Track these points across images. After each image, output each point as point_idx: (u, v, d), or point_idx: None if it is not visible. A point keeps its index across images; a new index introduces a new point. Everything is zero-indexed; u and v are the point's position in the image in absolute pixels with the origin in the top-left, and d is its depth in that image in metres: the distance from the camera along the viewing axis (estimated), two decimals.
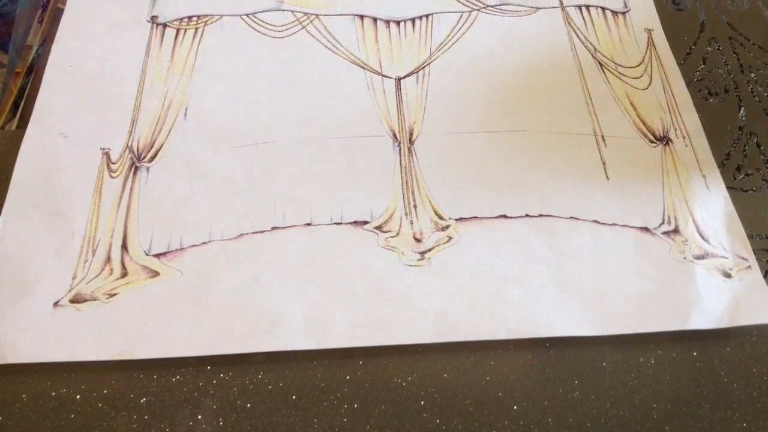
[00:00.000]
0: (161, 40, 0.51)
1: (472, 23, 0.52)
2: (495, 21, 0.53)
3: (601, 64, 0.50)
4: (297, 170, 0.44)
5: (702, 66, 0.51)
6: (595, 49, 0.51)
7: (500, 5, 0.54)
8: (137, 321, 0.38)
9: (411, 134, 0.46)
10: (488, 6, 0.54)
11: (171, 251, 0.41)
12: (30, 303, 0.39)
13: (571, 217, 0.43)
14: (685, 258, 0.41)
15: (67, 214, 0.42)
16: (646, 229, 0.42)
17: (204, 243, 0.41)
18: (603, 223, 0.43)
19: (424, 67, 0.50)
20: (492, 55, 0.51)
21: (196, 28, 0.52)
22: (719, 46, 0.52)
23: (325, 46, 0.51)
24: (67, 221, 0.42)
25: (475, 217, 0.43)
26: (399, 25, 0.52)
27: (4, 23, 0.52)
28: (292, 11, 0.53)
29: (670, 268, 0.41)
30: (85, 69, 0.49)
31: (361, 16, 0.53)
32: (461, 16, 0.53)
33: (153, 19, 0.52)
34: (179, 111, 0.47)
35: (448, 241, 0.42)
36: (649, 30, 0.52)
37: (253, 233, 0.42)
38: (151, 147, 0.45)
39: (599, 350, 0.38)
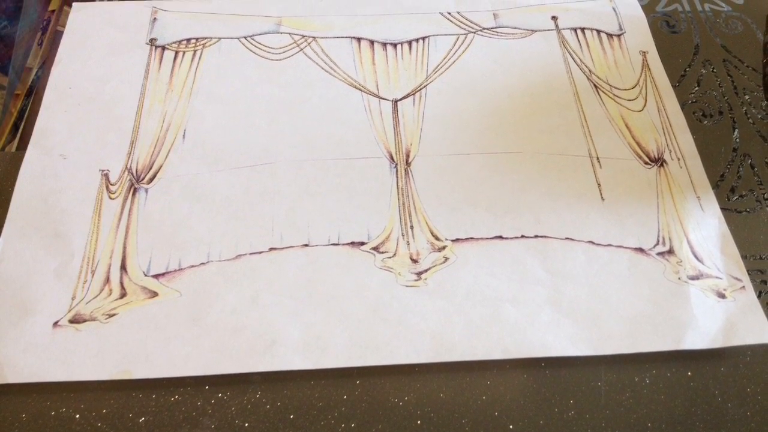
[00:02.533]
0: (160, 63, 0.53)
1: (468, 46, 0.55)
2: (491, 43, 0.55)
3: (596, 86, 0.52)
4: (294, 191, 0.46)
5: (696, 88, 0.53)
6: (590, 71, 0.53)
7: (496, 28, 0.56)
8: (136, 341, 0.40)
9: (408, 156, 0.48)
10: (484, 28, 0.56)
11: (170, 272, 0.43)
12: (30, 323, 0.40)
13: (567, 238, 0.45)
14: (679, 278, 0.43)
15: (67, 235, 0.44)
16: (640, 250, 0.44)
17: (202, 264, 0.43)
18: (598, 244, 0.44)
19: (420, 89, 0.52)
20: (488, 77, 0.53)
21: (195, 51, 0.54)
22: (714, 68, 0.54)
23: (323, 69, 0.53)
24: (66, 242, 0.44)
25: (472, 238, 0.44)
26: (396, 48, 0.54)
27: (4, 46, 0.54)
28: (289, 34, 0.55)
29: (664, 289, 0.43)
30: (85, 91, 0.51)
31: (358, 39, 0.55)
32: (457, 39, 0.55)
33: (152, 41, 0.54)
34: (178, 133, 0.49)
35: (444, 262, 0.43)
36: (644, 52, 0.55)
37: (251, 254, 0.44)
38: (150, 168, 0.47)
39: (594, 370, 0.40)
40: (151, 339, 0.40)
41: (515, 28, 0.56)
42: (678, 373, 0.40)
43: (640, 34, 0.56)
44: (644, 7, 0.58)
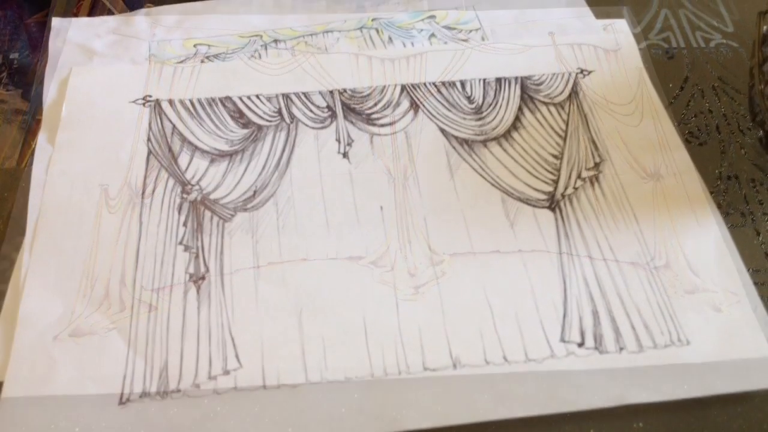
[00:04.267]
0: (159, 78, 0.54)
1: (465, 61, 0.57)
2: (487, 58, 0.57)
3: (592, 101, 0.54)
4: (292, 205, 0.48)
5: (686, 111, 0.55)
6: (586, 85, 0.55)
7: (493, 43, 0.58)
8: (135, 355, 0.41)
9: (405, 170, 0.50)
10: (481, 44, 0.58)
11: (168, 286, 0.44)
12: (29, 337, 0.41)
13: (563, 252, 0.46)
14: (675, 293, 0.44)
15: (66, 249, 0.45)
16: (636, 264, 0.46)
17: (201, 278, 0.44)
18: (594, 258, 0.46)
19: (419, 105, 0.54)
20: None
21: (194, 67, 0.55)
22: (704, 92, 0.56)
23: (321, 84, 0.55)
24: (65, 256, 0.44)
25: (469, 252, 0.46)
26: (393, 63, 0.56)
27: (24, 73, 0.56)
28: (288, 50, 0.57)
29: (660, 303, 0.44)
30: (84, 107, 0.52)
31: (356, 55, 0.57)
32: (454, 54, 0.57)
33: (151, 58, 0.56)
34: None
35: (442, 276, 0.45)
36: (640, 68, 0.57)
37: (249, 268, 0.45)
38: (149, 182, 0.48)
39: (592, 385, 0.41)
40: (150, 352, 0.41)
41: (512, 43, 0.58)
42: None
43: (633, 60, 0.58)
44: (637, 35, 0.60)
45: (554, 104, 0.54)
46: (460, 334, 0.42)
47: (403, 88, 0.55)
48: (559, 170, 0.50)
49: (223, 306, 0.43)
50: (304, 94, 0.54)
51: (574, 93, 0.55)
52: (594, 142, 0.52)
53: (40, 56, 0.56)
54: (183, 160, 0.50)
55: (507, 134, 0.52)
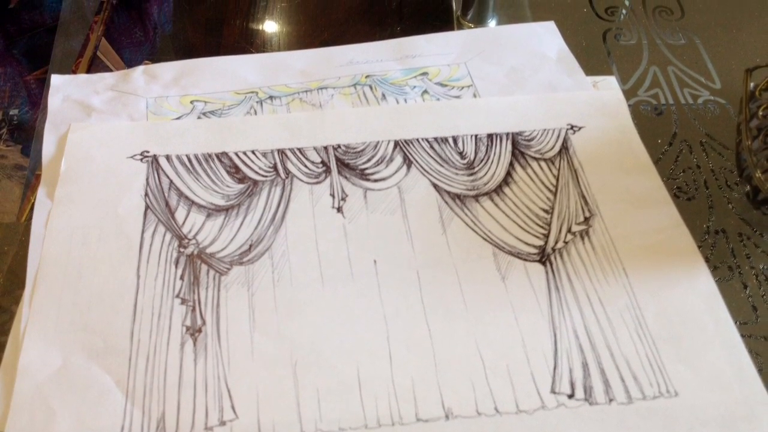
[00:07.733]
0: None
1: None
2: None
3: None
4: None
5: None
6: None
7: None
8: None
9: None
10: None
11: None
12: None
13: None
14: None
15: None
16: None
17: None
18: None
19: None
20: None
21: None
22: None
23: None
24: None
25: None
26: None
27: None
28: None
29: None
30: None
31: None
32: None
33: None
34: None
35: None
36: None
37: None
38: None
39: None
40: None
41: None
42: None
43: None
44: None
45: (545, 159, 0.58)
46: (453, 385, 0.45)
47: (396, 143, 0.59)
48: (549, 224, 0.54)
49: (220, 358, 0.46)
50: (299, 149, 0.59)
51: (564, 148, 0.59)
52: (584, 197, 0.56)
53: (39, 112, 0.61)
54: (180, 214, 0.54)
55: (498, 189, 0.57)
